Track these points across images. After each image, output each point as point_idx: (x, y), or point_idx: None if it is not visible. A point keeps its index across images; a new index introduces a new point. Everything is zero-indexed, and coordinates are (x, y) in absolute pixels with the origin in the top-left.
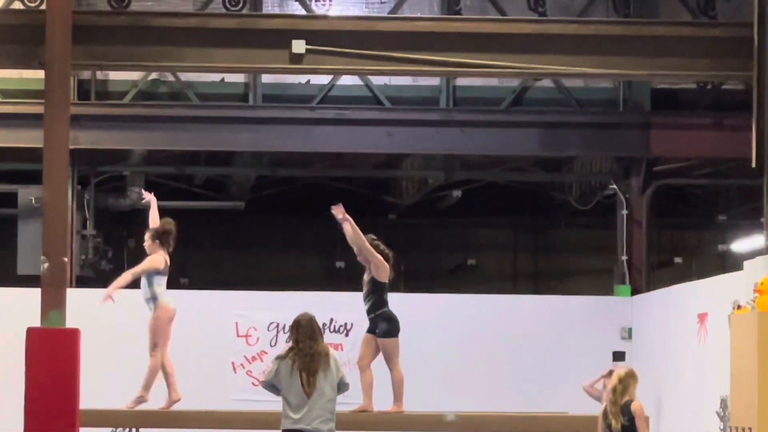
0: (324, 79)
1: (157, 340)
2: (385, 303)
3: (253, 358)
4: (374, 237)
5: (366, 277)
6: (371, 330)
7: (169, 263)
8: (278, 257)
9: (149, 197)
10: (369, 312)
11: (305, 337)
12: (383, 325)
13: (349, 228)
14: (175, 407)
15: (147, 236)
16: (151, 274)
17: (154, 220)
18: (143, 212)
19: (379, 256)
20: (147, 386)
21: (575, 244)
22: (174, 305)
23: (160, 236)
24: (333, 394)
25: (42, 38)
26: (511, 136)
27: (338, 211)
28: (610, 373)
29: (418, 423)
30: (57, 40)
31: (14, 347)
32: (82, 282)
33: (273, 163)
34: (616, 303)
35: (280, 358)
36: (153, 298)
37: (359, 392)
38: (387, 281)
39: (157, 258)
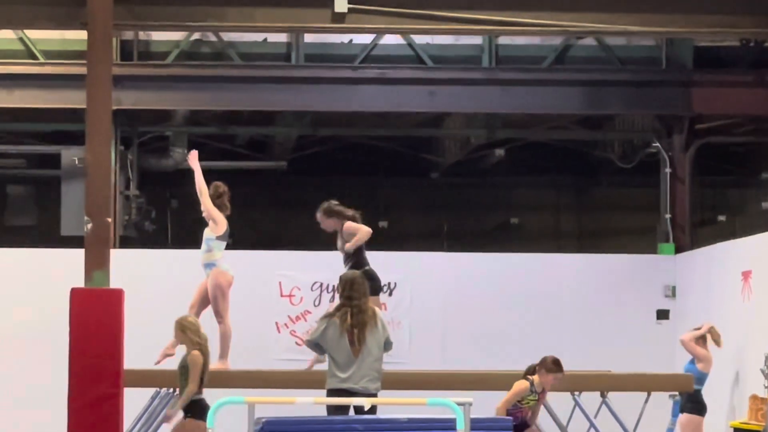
0: (366, 39)
1: (220, 306)
2: (365, 262)
3: (297, 318)
4: (335, 203)
5: (340, 244)
6: None
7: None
8: None
9: (193, 160)
10: None
11: (360, 294)
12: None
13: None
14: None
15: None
16: (211, 239)
17: (200, 185)
18: (186, 172)
19: (357, 227)
20: (224, 354)
21: (618, 202)
22: (232, 272)
23: (215, 200)
24: (380, 354)
25: None
26: (553, 94)
27: None
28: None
29: (460, 382)
30: (99, 1)
31: (59, 308)
32: (125, 242)
33: (315, 122)
34: (660, 261)
35: (328, 316)
36: (211, 264)
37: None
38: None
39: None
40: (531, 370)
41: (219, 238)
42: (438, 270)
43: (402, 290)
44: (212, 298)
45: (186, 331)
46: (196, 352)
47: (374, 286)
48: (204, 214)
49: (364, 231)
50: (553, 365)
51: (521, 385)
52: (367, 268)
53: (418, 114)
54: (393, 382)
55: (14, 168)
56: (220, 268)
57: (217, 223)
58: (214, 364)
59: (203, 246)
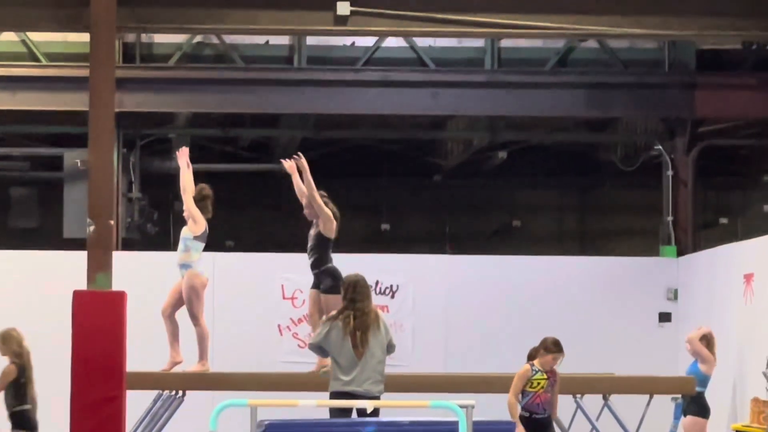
0: (369, 41)
1: (195, 308)
2: (329, 259)
3: (299, 321)
4: (324, 194)
5: (312, 232)
6: (316, 285)
7: (207, 230)
8: None
9: (181, 157)
10: (313, 267)
11: (363, 297)
12: (327, 281)
13: (301, 179)
14: (221, 370)
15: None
16: (189, 239)
17: (184, 182)
18: None
19: (328, 211)
20: (203, 355)
21: (621, 204)
22: (206, 274)
23: (198, 202)
24: (383, 356)
25: (86, 1)
26: (556, 96)
27: (290, 165)
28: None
29: (462, 384)
30: (101, 3)
31: (61, 310)
32: (128, 245)
33: (318, 125)
34: (662, 264)
35: (330, 319)
36: (187, 265)
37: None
38: (333, 238)
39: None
40: (532, 355)
41: (197, 238)
42: (440, 272)
43: (404, 293)
44: (186, 300)
45: (7, 343)
46: (11, 366)
47: (336, 285)
48: (185, 213)
49: (332, 223)
50: (553, 345)
51: (522, 369)
52: (329, 265)
53: (420, 116)
54: (395, 385)
55: (17, 170)
56: (196, 270)
57: (196, 222)
58: (194, 366)
59: (180, 245)
